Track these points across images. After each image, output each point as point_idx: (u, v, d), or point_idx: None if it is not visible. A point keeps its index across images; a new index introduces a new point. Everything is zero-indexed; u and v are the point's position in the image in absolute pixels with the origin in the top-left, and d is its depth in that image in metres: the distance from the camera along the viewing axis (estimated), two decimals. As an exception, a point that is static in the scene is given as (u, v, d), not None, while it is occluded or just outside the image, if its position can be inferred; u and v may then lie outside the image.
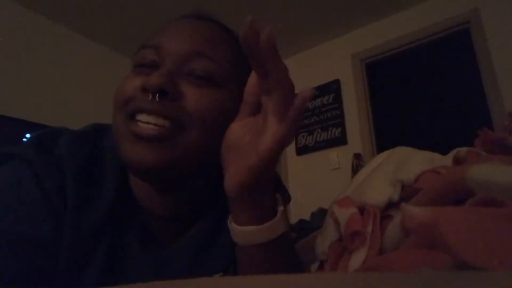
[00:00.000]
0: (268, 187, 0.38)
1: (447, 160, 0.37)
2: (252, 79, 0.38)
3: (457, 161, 0.35)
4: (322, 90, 3.10)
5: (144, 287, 0.15)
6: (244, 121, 0.39)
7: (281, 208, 0.39)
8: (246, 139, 0.37)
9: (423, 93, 2.73)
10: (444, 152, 0.40)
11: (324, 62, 3.18)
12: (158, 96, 0.38)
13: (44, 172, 0.40)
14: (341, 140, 2.91)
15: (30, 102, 2.44)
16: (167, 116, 0.39)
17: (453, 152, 0.37)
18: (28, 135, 2.11)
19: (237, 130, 0.39)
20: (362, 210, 0.34)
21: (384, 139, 2.79)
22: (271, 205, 0.39)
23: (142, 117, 0.39)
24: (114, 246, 0.42)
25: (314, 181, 2.95)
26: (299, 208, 2.64)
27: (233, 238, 0.39)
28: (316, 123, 3.08)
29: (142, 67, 0.42)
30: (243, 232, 0.37)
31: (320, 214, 2.34)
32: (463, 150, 0.36)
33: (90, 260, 0.40)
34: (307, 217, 2.44)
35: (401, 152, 0.41)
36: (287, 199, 0.62)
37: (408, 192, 0.33)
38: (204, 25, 0.45)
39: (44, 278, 0.37)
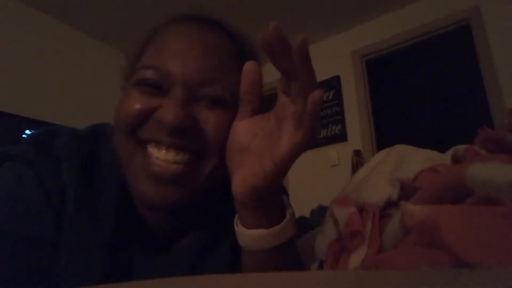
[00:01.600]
0: (279, 191, 0.37)
1: (446, 158, 0.37)
2: (248, 76, 0.36)
3: (456, 159, 0.35)
4: (322, 86, 3.07)
5: (144, 285, 0.15)
6: (248, 121, 0.38)
7: (290, 211, 0.38)
8: (257, 142, 0.36)
9: (423, 90, 2.72)
10: (444, 150, 0.40)
11: (324, 59, 3.17)
12: (176, 132, 0.37)
13: (45, 172, 0.40)
14: (341, 137, 2.91)
15: (30, 99, 2.44)
16: (187, 149, 0.38)
17: (452, 150, 0.37)
18: (27, 132, 2.10)
19: (244, 130, 0.37)
20: (361, 209, 0.34)
21: (384, 136, 2.79)
22: (280, 208, 0.38)
23: (159, 154, 0.38)
24: (114, 249, 0.42)
25: (314, 178, 2.95)
26: (299, 205, 2.64)
27: (239, 241, 0.38)
28: (316, 120, 3.07)
29: (146, 88, 0.40)
30: (250, 236, 0.36)
31: (320, 211, 2.34)
32: (461, 148, 0.36)
33: (90, 263, 0.40)
34: (306, 214, 2.45)
35: (400, 150, 0.41)
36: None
37: (407, 191, 0.33)
38: (209, 38, 0.42)
39: (44, 279, 0.37)
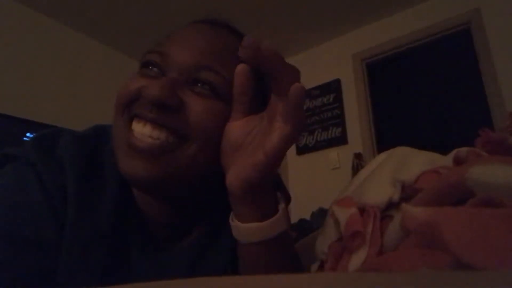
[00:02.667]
0: (270, 185, 0.39)
1: (447, 160, 0.37)
2: (239, 78, 0.38)
3: (457, 161, 0.35)
4: (323, 89, 3.10)
5: (144, 287, 0.15)
6: (242, 120, 0.39)
7: (282, 206, 0.39)
8: (251, 140, 0.37)
9: (424, 93, 2.73)
10: (444, 152, 0.40)
11: (325, 62, 3.17)
12: (157, 107, 0.38)
13: (46, 174, 0.40)
14: (342, 140, 2.91)
15: (32, 101, 2.44)
16: (166, 126, 0.38)
17: (454, 152, 0.37)
18: (28, 134, 2.11)
19: (238, 129, 0.38)
20: (362, 210, 0.34)
21: (384, 138, 2.79)
22: (273, 202, 0.39)
23: (137, 127, 0.38)
24: (115, 249, 0.42)
25: (315, 181, 2.95)
26: (300, 208, 2.64)
27: (235, 235, 0.39)
28: (317, 122, 3.08)
29: (147, 71, 0.42)
30: (245, 229, 0.37)
31: (320, 214, 2.34)
32: (463, 150, 0.36)
33: (90, 263, 0.40)
34: (307, 216, 2.44)
35: (401, 152, 0.41)
36: (287, 199, 0.62)
37: (408, 193, 0.33)
38: (215, 34, 0.44)
39: (46, 280, 0.37)
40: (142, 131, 0.38)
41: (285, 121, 0.34)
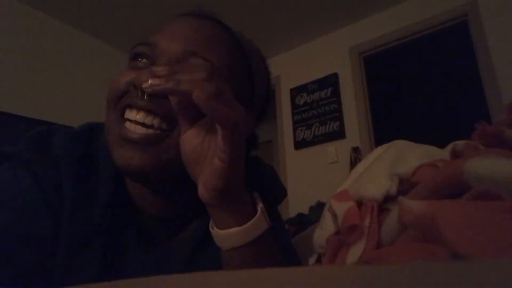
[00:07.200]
0: (241, 187, 0.38)
1: (444, 153, 0.37)
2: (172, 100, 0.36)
3: (454, 154, 0.36)
4: (320, 84, 3.09)
5: (141, 282, 0.15)
6: (192, 130, 0.37)
7: (260, 205, 0.39)
8: (206, 146, 0.36)
9: (421, 86, 2.73)
10: (442, 146, 0.40)
11: (322, 56, 3.17)
12: (148, 94, 0.37)
13: (42, 171, 0.40)
14: (339, 134, 2.91)
15: (31, 99, 2.43)
16: (157, 113, 0.38)
17: (451, 145, 0.37)
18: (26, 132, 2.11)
19: (190, 141, 0.37)
20: (359, 203, 0.35)
21: (382, 132, 2.79)
22: (250, 204, 0.39)
23: (131, 114, 0.39)
24: (111, 244, 0.42)
25: (312, 175, 2.95)
26: (298, 202, 2.65)
27: (217, 243, 0.39)
28: (314, 117, 3.07)
29: (136, 64, 0.42)
30: (226, 235, 0.37)
31: (318, 208, 2.35)
32: (460, 143, 0.36)
33: (87, 259, 0.40)
34: (305, 210, 2.46)
35: (399, 145, 0.41)
36: (283, 193, 0.62)
37: (405, 186, 0.33)
38: (203, 24, 0.45)
39: (42, 277, 0.37)
40: (136, 118, 0.38)
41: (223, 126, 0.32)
